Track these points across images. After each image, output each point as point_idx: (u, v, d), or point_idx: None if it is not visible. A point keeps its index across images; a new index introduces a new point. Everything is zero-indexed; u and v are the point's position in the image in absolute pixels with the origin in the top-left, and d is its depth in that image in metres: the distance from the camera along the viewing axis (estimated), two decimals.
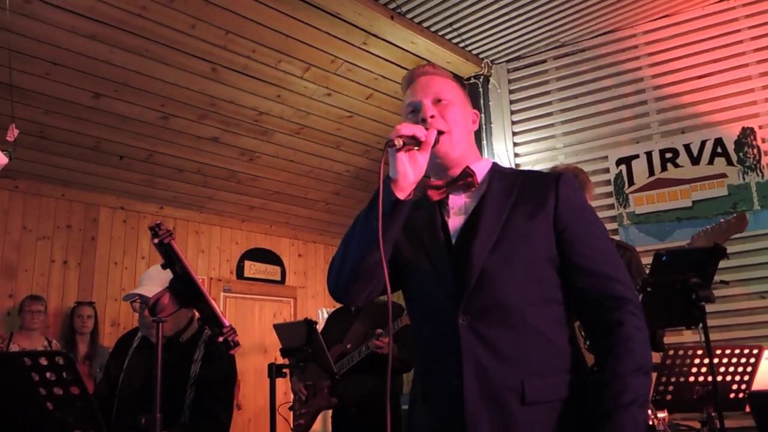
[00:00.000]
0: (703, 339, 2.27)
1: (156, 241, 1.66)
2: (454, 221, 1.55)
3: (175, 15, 4.42)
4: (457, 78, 5.64)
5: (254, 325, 6.74)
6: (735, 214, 2.37)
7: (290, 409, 3.67)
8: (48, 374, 1.68)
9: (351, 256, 1.47)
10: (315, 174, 6.48)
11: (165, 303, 1.72)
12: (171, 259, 1.73)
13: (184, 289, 1.74)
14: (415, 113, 1.54)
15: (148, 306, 1.71)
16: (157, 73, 4.87)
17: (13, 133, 2.10)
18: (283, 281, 7.10)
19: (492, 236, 1.46)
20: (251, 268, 6.84)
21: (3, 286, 5.20)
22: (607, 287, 1.44)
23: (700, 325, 2.10)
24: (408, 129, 1.39)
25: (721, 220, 2.39)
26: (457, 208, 1.56)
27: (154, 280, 2.47)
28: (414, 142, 1.39)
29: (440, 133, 1.49)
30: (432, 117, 1.52)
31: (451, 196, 1.56)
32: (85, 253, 5.75)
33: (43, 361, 1.68)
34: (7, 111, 4.21)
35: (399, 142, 1.36)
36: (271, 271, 7.03)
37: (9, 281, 5.23)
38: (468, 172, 1.53)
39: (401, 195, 1.40)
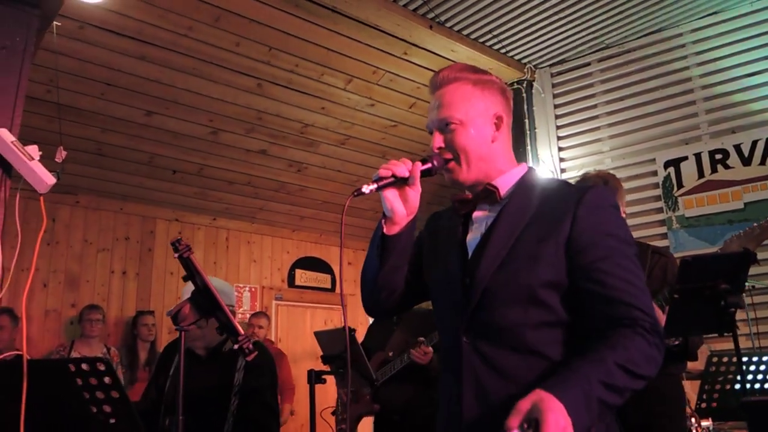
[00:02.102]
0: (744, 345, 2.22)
1: (177, 255, 1.75)
2: (473, 235, 1.53)
3: (219, 34, 4.58)
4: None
5: (305, 333, 6.86)
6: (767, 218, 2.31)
7: (333, 413, 3.74)
8: (91, 379, 1.80)
9: (369, 274, 1.60)
10: (362, 183, 6.55)
11: (186, 313, 1.81)
12: (191, 271, 1.82)
13: (204, 300, 1.82)
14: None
15: (171, 316, 1.80)
16: (204, 90, 5.05)
17: (60, 155, 2.23)
18: (333, 289, 7.21)
19: (498, 256, 1.43)
20: (302, 277, 6.97)
21: (66, 296, 5.47)
22: (621, 312, 1.34)
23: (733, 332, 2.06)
24: (385, 170, 1.43)
25: (754, 224, 2.34)
26: (479, 222, 1.54)
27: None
28: (397, 180, 1.43)
29: (450, 160, 1.50)
30: (440, 148, 1.52)
31: (476, 209, 1.55)
32: (143, 263, 5.99)
33: (86, 367, 1.80)
34: (56, 129, 4.44)
35: (369, 189, 1.40)
36: (322, 279, 7.15)
37: (72, 292, 5.50)
38: (490, 189, 1.51)
39: (394, 229, 1.48)
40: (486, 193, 1.52)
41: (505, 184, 1.53)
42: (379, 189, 1.42)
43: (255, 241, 6.82)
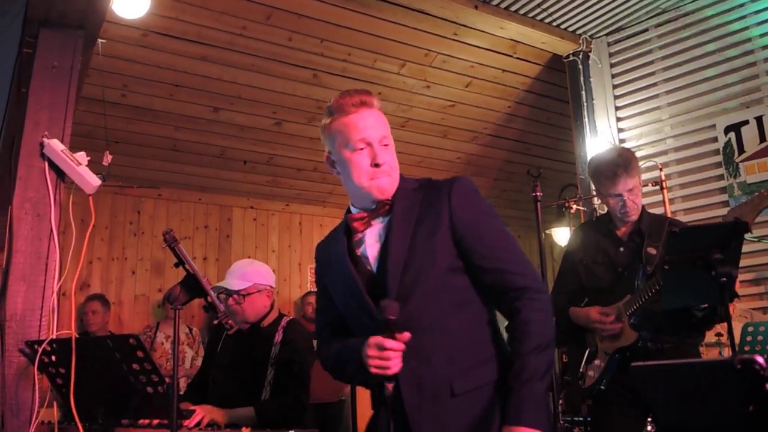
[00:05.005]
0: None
1: (165, 245, 1.99)
2: (372, 249, 1.69)
3: (272, 30, 4.83)
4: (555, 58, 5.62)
5: None
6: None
7: None
8: (127, 354, 2.09)
9: (334, 374, 1.80)
10: (426, 163, 6.70)
11: (177, 293, 2.07)
12: (179, 259, 2.06)
13: (192, 282, 2.07)
14: (368, 148, 1.68)
15: (166, 296, 2.07)
16: (264, 84, 5.33)
17: (107, 159, 2.53)
18: None
19: (401, 260, 1.61)
20: None
21: (153, 282, 5.97)
22: (506, 281, 1.61)
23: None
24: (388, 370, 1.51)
25: (756, 193, 2.32)
26: (374, 235, 1.70)
27: (234, 275, 2.86)
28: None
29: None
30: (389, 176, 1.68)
31: (371, 224, 1.70)
32: (222, 250, 6.42)
33: (121, 342, 2.09)
34: (134, 130, 4.82)
35: (390, 388, 1.50)
36: None
37: (158, 278, 6.00)
38: (385, 202, 1.67)
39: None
40: (381, 206, 1.68)
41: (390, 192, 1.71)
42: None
43: (327, 224, 7.12)
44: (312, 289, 6.60)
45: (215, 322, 2.08)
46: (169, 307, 5.46)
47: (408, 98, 5.85)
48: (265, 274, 2.98)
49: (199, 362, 5.09)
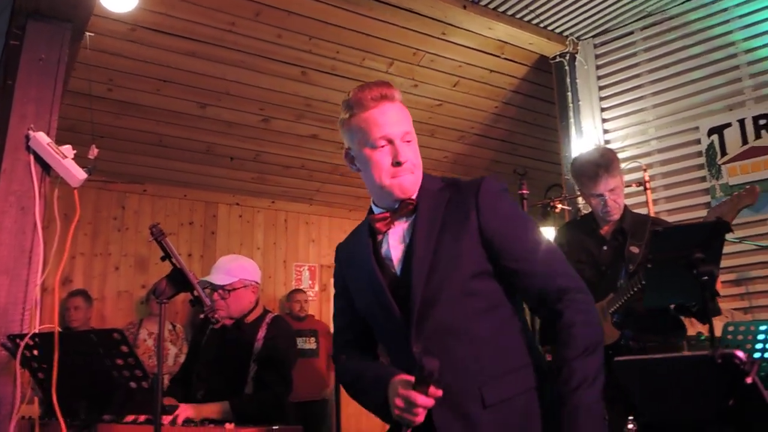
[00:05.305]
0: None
1: (152, 239, 1.99)
2: (396, 251, 1.63)
3: (261, 27, 4.82)
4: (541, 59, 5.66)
5: None
6: (747, 186, 2.32)
7: None
8: (111, 348, 2.08)
9: (358, 398, 1.68)
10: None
11: (163, 287, 2.07)
12: (166, 253, 2.06)
13: (179, 276, 2.07)
14: (389, 145, 1.61)
15: (152, 290, 2.07)
16: (253, 80, 5.32)
17: (93, 152, 2.52)
18: None
19: (426, 263, 1.54)
20: None
21: (137, 278, 5.94)
22: (546, 284, 1.53)
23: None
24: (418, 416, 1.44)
25: (734, 193, 2.35)
26: (398, 236, 1.64)
27: (220, 270, 2.86)
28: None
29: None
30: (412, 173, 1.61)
31: (394, 224, 1.64)
32: (207, 246, 6.40)
33: (104, 337, 2.08)
34: (120, 125, 4.79)
35: None
36: None
37: (142, 274, 5.97)
38: (409, 202, 1.62)
39: None
40: (405, 206, 1.62)
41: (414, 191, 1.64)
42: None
43: (313, 221, 7.13)
44: (298, 287, 6.61)
45: (201, 316, 2.08)
46: (154, 303, 5.47)
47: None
48: (251, 269, 2.99)
49: (182, 359, 5.06)
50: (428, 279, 1.53)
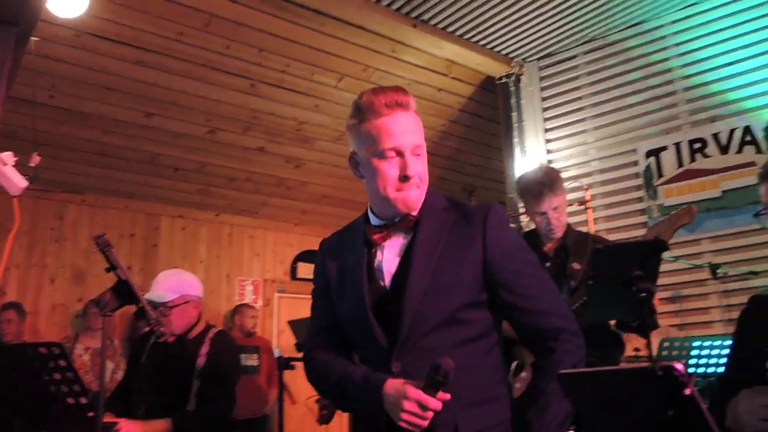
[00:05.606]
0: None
1: (97, 249, 1.95)
2: (389, 264, 1.57)
3: (210, 38, 4.78)
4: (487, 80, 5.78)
5: None
6: (684, 206, 2.44)
7: (317, 401, 3.94)
8: (48, 362, 2.01)
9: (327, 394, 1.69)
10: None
11: (107, 299, 2.02)
12: (111, 264, 2.02)
13: (123, 289, 2.02)
14: (398, 157, 1.54)
15: (95, 301, 2.01)
16: (200, 91, 5.26)
17: (35, 160, 2.45)
18: None
19: (423, 283, 1.49)
20: (305, 269, 7.19)
21: (73, 291, 5.75)
22: (544, 322, 1.53)
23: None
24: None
25: (672, 212, 2.46)
26: (395, 250, 1.58)
27: (161, 285, 2.80)
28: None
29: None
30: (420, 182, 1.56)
31: (391, 237, 1.59)
32: (148, 259, 6.25)
33: (43, 351, 2.02)
34: (62, 132, 4.66)
35: None
36: None
37: (78, 286, 5.79)
38: (411, 218, 1.57)
39: None
40: (404, 220, 1.57)
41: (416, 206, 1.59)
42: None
43: (258, 235, 7.05)
44: (243, 302, 6.51)
45: (147, 329, 2.04)
46: (92, 317, 5.31)
47: (345, 112, 5.73)
48: (193, 284, 2.94)
49: (119, 375, 4.93)
50: (423, 300, 1.49)
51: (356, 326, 1.58)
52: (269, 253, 7.09)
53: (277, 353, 5.28)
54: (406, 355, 1.48)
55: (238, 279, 6.81)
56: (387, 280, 1.56)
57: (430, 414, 1.36)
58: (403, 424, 1.38)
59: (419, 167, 1.55)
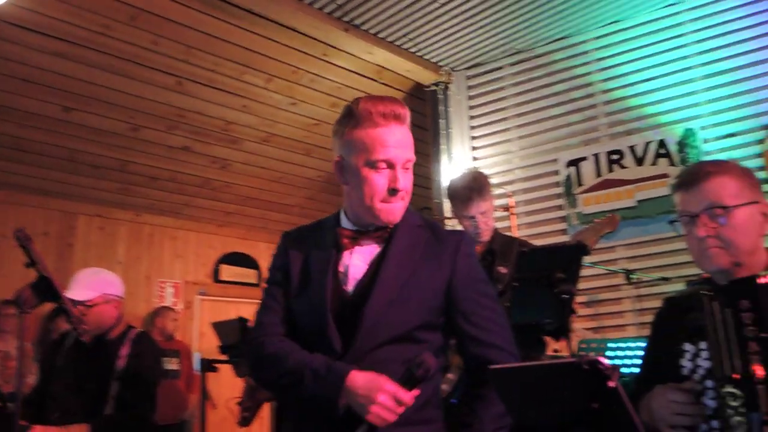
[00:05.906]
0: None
1: (18, 245, 1.88)
2: (356, 270, 1.58)
3: (136, 32, 4.65)
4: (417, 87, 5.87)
5: None
6: (608, 215, 2.56)
7: (238, 404, 3.88)
8: None
9: (271, 384, 1.63)
10: (287, 180, 6.69)
11: (27, 296, 1.94)
12: (32, 260, 1.95)
13: (43, 286, 1.96)
14: (388, 169, 1.55)
15: (13, 299, 1.94)
16: (124, 87, 5.10)
17: None
18: (258, 284, 7.32)
19: (389, 296, 1.51)
20: (227, 272, 7.07)
21: None
22: (493, 354, 1.55)
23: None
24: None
25: (596, 220, 2.58)
26: (363, 256, 1.59)
27: (80, 284, 2.71)
28: None
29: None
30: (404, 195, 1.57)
31: (362, 243, 1.60)
32: (63, 259, 6.00)
33: None
34: None
35: None
36: (247, 275, 7.26)
37: None
38: (386, 229, 1.59)
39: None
40: (380, 232, 1.59)
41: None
42: None
43: (180, 236, 6.89)
44: (164, 305, 6.34)
45: (62, 329, 1.96)
46: (3, 317, 5.04)
47: (273, 113, 5.83)
48: (114, 283, 2.87)
49: (30, 380, 4.70)
50: (384, 312, 1.50)
51: (312, 325, 1.56)
52: (191, 254, 6.94)
53: (197, 357, 5.18)
54: (356, 363, 1.46)
55: (158, 281, 6.63)
56: (351, 285, 1.56)
57: (402, 409, 1.37)
58: (372, 418, 1.36)
59: (407, 182, 1.57)
